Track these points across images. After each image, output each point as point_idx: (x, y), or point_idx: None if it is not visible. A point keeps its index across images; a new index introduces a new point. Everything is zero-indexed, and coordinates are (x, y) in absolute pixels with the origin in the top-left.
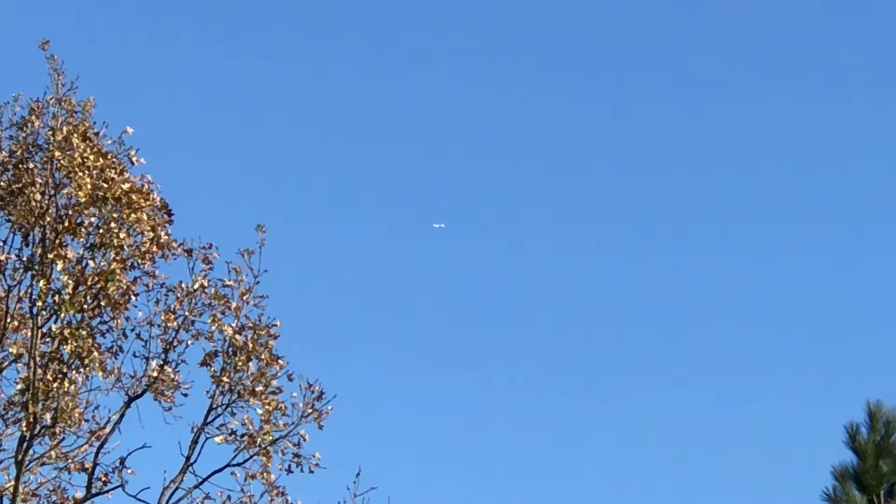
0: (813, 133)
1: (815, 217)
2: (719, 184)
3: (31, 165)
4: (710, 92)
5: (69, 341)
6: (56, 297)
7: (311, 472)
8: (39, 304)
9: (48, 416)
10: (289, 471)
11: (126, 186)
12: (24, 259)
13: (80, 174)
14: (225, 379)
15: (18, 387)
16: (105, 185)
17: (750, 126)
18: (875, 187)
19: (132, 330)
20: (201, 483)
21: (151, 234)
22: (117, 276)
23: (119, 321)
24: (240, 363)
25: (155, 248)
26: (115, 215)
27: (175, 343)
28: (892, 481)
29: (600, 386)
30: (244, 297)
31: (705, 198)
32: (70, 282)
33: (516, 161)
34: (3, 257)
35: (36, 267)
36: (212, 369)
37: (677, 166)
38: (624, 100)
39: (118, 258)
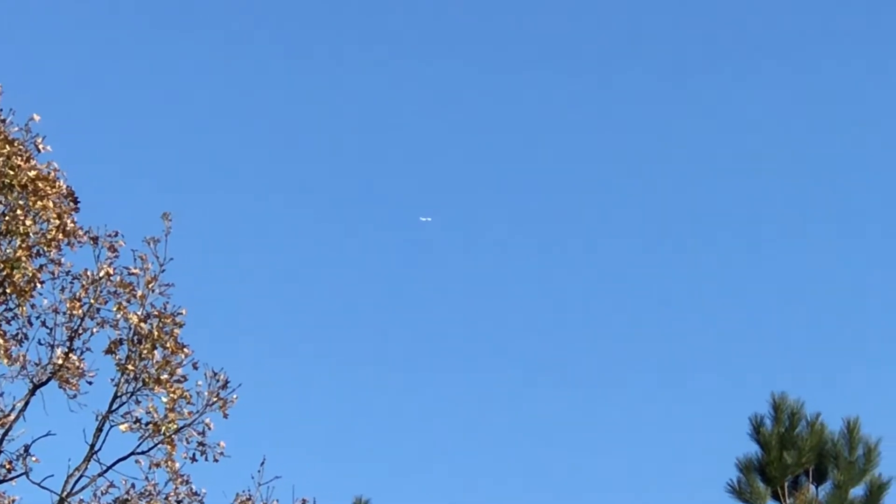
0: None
1: (717, 211)
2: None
3: None
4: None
5: None
6: None
7: (216, 460)
8: None
9: None
10: (193, 459)
11: (32, 174)
12: None
13: None
14: (130, 367)
15: None
16: (11, 173)
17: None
18: (772, 185)
19: (37, 317)
20: (106, 471)
21: (57, 222)
22: (23, 264)
23: (24, 309)
24: (145, 351)
25: (61, 236)
26: (20, 203)
27: (80, 331)
28: (797, 473)
29: (504, 378)
30: (150, 286)
31: (606, 193)
32: None
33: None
34: None
35: None
36: (117, 357)
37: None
38: (620, 97)
39: (24, 245)
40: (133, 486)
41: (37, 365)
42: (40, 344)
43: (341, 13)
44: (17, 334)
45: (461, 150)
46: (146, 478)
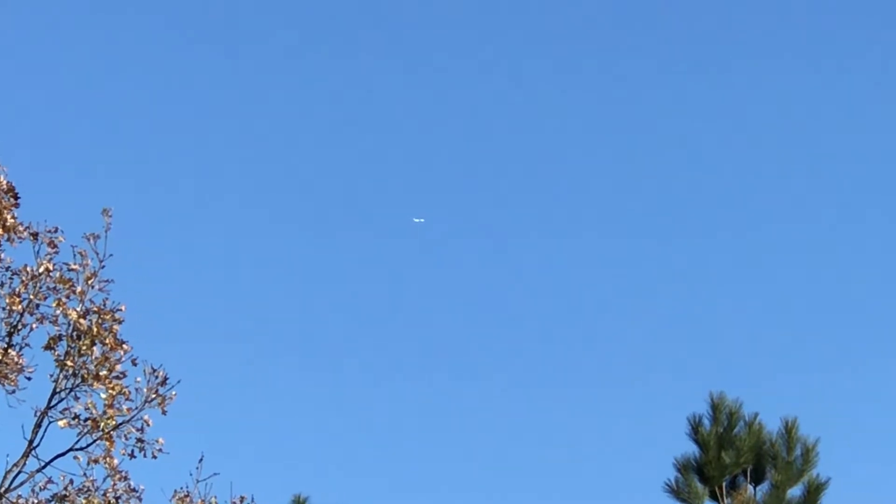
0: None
1: (657, 211)
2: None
3: None
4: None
5: None
6: None
7: (155, 457)
8: None
9: None
10: (132, 455)
11: None
12: None
13: None
14: (69, 363)
15: None
16: None
17: None
18: (710, 184)
19: None
20: (44, 467)
21: None
22: None
23: None
24: (84, 347)
25: (0, 231)
26: None
27: (19, 326)
28: (735, 473)
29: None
30: (89, 282)
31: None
32: None
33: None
34: None
35: None
36: (56, 353)
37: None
38: (617, 96)
39: None
40: (71, 482)
41: None
42: None
43: (331, 12)
44: None
45: (449, 151)
46: (84, 474)
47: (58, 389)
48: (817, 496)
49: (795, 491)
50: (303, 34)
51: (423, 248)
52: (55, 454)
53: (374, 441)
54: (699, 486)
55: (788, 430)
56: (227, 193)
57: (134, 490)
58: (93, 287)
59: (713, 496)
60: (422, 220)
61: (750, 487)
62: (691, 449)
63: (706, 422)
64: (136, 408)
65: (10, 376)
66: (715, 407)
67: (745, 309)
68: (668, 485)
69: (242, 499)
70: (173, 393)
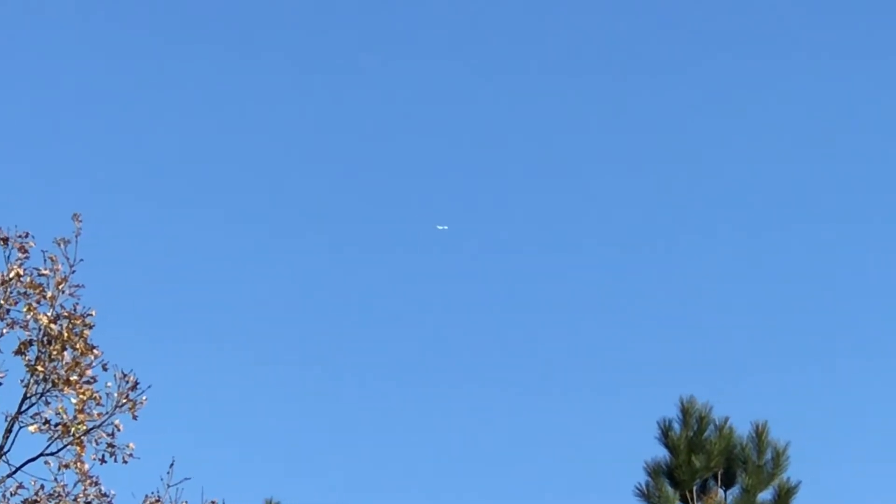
0: None
1: (621, 215)
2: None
3: None
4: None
5: None
6: None
7: (125, 462)
8: None
9: None
10: (102, 460)
11: None
12: None
13: None
14: (39, 368)
15: None
16: None
17: None
18: (667, 187)
19: None
20: (14, 472)
21: None
22: None
23: None
24: (55, 352)
25: None
26: None
27: None
28: (705, 477)
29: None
30: (60, 287)
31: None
32: None
33: None
34: None
35: None
36: (26, 358)
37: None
38: (624, 100)
39: None
40: (42, 487)
41: None
42: None
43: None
44: None
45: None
46: (55, 479)
47: (28, 394)
48: (788, 500)
49: (766, 495)
50: (305, 35)
51: (396, 249)
52: (26, 459)
53: (347, 443)
54: (670, 490)
55: (759, 434)
56: (199, 197)
57: (105, 495)
58: (63, 292)
59: (684, 500)
60: (445, 228)
61: (720, 491)
62: (661, 453)
63: (676, 426)
64: (107, 412)
65: None
66: (685, 411)
67: (716, 313)
68: (638, 489)
69: (213, 503)
70: (144, 398)
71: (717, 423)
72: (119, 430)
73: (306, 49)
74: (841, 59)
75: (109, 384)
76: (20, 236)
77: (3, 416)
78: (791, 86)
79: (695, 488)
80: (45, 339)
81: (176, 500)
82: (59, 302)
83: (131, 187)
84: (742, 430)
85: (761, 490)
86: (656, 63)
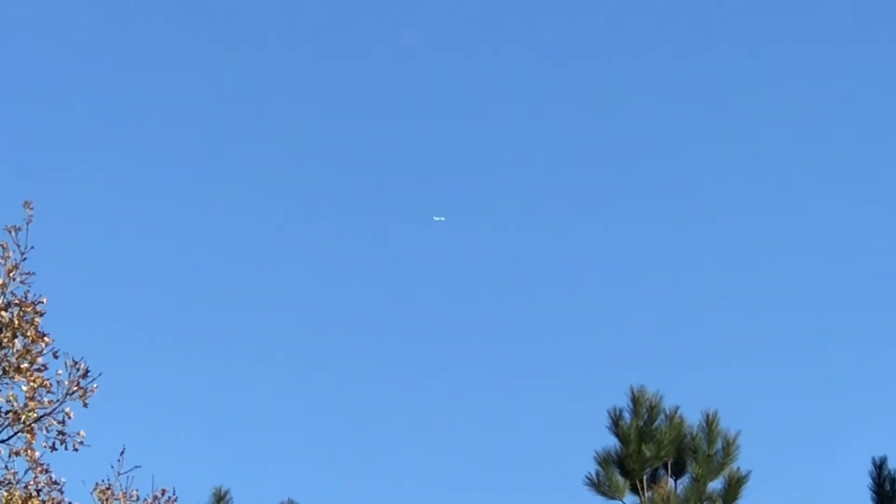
0: None
1: (580, 202)
2: None
3: None
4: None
5: None
6: None
7: (76, 449)
8: None
9: None
10: (53, 448)
11: None
12: None
13: None
14: None
15: None
16: None
17: None
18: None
19: None
20: None
21: None
22: None
23: None
24: (5, 340)
25: None
26: None
27: None
28: (655, 466)
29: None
30: (11, 274)
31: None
32: None
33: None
34: None
35: None
36: None
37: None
38: (622, 92)
39: None
40: None
41: None
42: None
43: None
44: None
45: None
46: (6, 466)
47: None
48: (738, 489)
49: (716, 484)
50: (300, 30)
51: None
52: None
53: (297, 433)
54: (620, 479)
55: (709, 424)
56: (159, 185)
57: (55, 482)
58: (14, 279)
59: (634, 489)
60: (442, 219)
61: (671, 481)
62: (612, 442)
63: (627, 415)
64: (58, 400)
65: None
66: (635, 400)
67: (666, 302)
68: (588, 478)
69: (164, 492)
70: (94, 385)
71: (668, 412)
72: (70, 417)
73: (299, 45)
74: (841, 58)
75: (60, 372)
76: None
77: None
78: (789, 84)
79: (645, 477)
80: None
81: (126, 489)
82: (9, 289)
83: (83, 175)
84: (692, 419)
85: (711, 479)
86: (655, 62)
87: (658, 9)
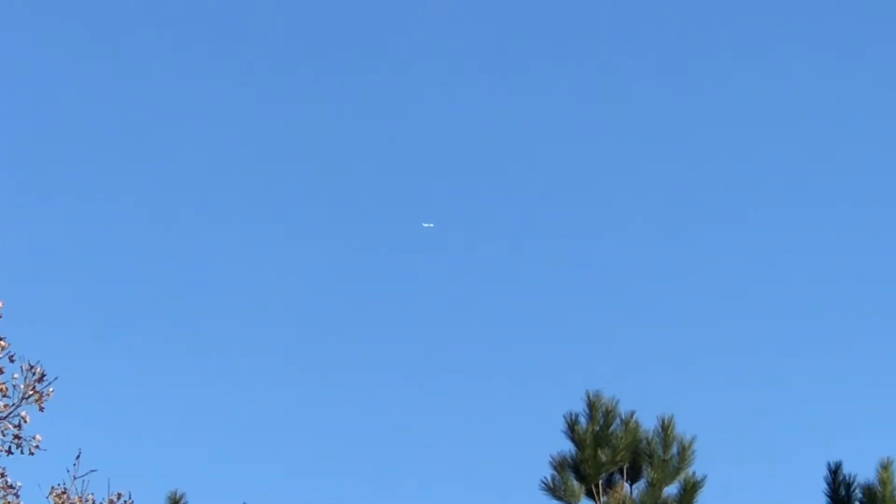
0: None
1: (537, 208)
2: None
3: None
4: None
5: None
6: None
7: (32, 453)
8: None
9: None
10: (9, 452)
11: None
12: None
13: None
14: None
15: None
16: None
17: None
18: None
19: None
20: None
21: None
22: None
23: None
24: None
25: None
26: None
27: None
28: (611, 471)
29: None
30: None
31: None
32: None
33: None
34: None
35: None
36: None
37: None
38: (622, 96)
39: None
40: None
41: None
42: None
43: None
44: None
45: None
46: None
47: None
48: (693, 494)
49: (671, 489)
50: (299, 31)
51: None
52: None
53: (249, 436)
54: (575, 484)
55: (665, 428)
56: (106, 186)
57: (11, 486)
58: None
59: (589, 494)
60: (431, 225)
61: (626, 485)
62: (568, 447)
63: (583, 420)
64: (13, 404)
65: None
66: (591, 405)
67: (622, 307)
68: (544, 483)
69: (119, 495)
70: (50, 389)
71: (624, 417)
72: (26, 421)
73: (291, 47)
74: (841, 59)
75: (16, 375)
76: None
77: None
78: (787, 85)
79: (600, 482)
80: None
81: (82, 492)
82: None
83: (43, 178)
84: (648, 424)
85: (667, 484)
86: (654, 62)
87: (659, 9)
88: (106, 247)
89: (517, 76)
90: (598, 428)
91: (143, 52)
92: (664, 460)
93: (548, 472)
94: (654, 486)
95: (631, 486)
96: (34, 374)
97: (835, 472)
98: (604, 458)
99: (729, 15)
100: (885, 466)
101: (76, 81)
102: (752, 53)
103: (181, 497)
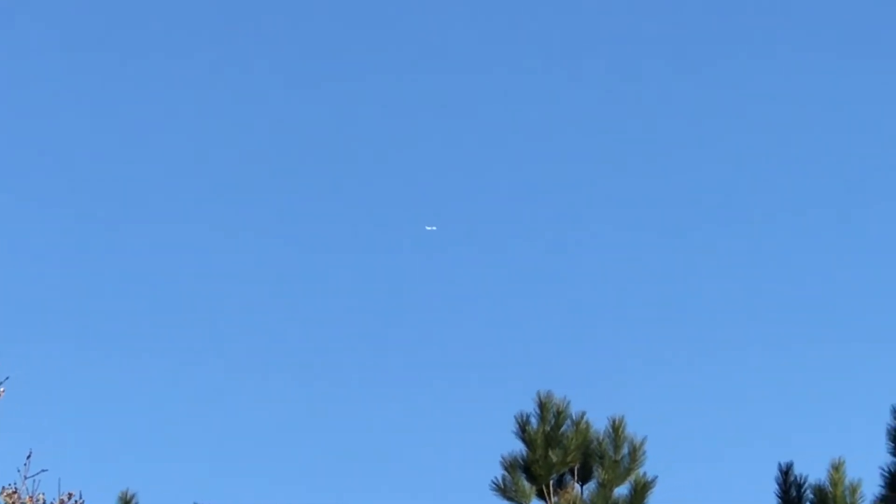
0: None
1: (476, 209)
2: None
3: None
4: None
5: None
6: None
7: None
8: None
9: None
10: None
11: None
12: None
13: None
14: None
15: None
16: None
17: None
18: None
19: None
20: None
21: None
22: None
23: None
24: None
25: None
26: None
27: None
28: (562, 471)
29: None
30: None
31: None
32: None
33: None
34: None
35: None
36: None
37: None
38: (623, 99)
39: None
40: None
41: None
42: None
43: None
44: None
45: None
46: None
47: None
48: (644, 494)
49: (622, 490)
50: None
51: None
52: None
53: (201, 435)
54: (526, 484)
55: (616, 429)
56: (42, 186)
57: None
58: None
59: (540, 495)
60: (433, 228)
61: (577, 486)
62: (519, 447)
63: (534, 420)
64: None
65: None
66: (542, 406)
67: (573, 307)
68: (495, 483)
69: (70, 495)
70: (1, 389)
71: (575, 417)
72: None
73: (291, 51)
74: (840, 58)
75: None
76: None
77: None
78: (786, 85)
79: (551, 483)
80: None
81: (33, 493)
82: None
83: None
84: (599, 425)
85: (618, 485)
86: (653, 62)
87: (659, 10)
88: (52, 248)
89: (518, 77)
90: (548, 428)
91: (144, 51)
92: (615, 461)
93: (499, 473)
94: (605, 487)
95: (582, 486)
96: None
97: (786, 472)
98: (555, 459)
99: (730, 14)
100: (836, 467)
101: (75, 82)
102: (757, 53)
103: (132, 497)
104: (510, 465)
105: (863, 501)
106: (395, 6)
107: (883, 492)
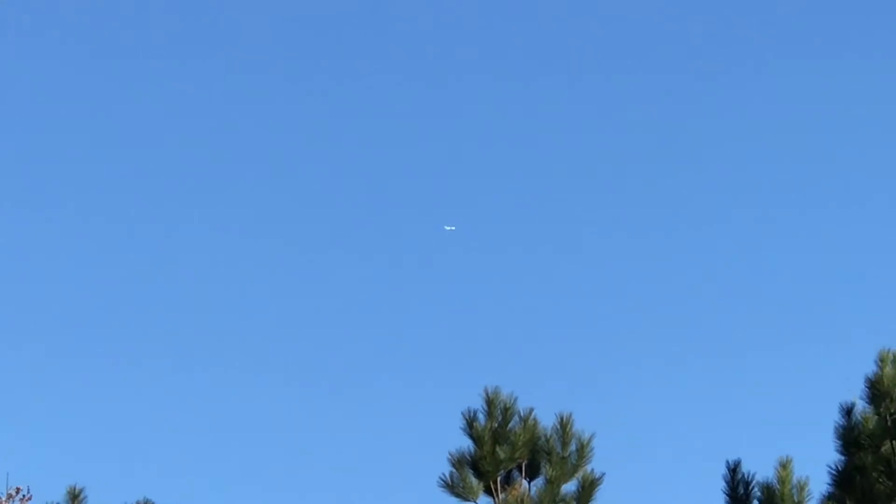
0: None
1: (434, 207)
2: None
3: None
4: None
5: None
6: None
7: None
8: None
9: None
10: None
11: None
12: None
13: None
14: None
15: None
16: None
17: None
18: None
19: None
20: None
21: None
22: None
23: None
24: None
25: None
26: None
27: None
28: (509, 468)
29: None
30: None
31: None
32: None
33: None
34: None
35: None
36: None
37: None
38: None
39: None
40: None
41: None
42: None
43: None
44: None
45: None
46: None
47: None
48: (591, 491)
49: (570, 486)
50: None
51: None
52: None
53: (150, 432)
54: (474, 480)
55: (563, 426)
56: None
57: None
58: None
59: (488, 491)
60: (453, 228)
61: (524, 482)
62: (466, 444)
63: (481, 417)
64: None
65: None
66: (490, 402)
67: (521, 304)
68: (442, 479)
69: (18, 490)
70: None
71: (522, 414)
72: None
73: (298, 47)
74: (841, 58)
75: None
76: None
77: None
78: (786, 85)
79: (499, 479)
80: None
81: None
82: None
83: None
84: (546, 421)
85: (565, 481)
86: (654, 63)
87: (660, 11)
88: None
89: (520, 83)
90: (496, 425)
91: (144, 52)
92: (563, 458)
93: (446, 469)
94: (553, 484)
95: (529, 483)
96: None
97: (733, 470)
98: (502, 455)
99: (731, 16)
100: (783, 465)
101: (76, 82)
102: (757, 55)
103: (80, 492)
104: (458, 462)
105: (810, 499)
106: (406, 8)
107: (830, 490)
